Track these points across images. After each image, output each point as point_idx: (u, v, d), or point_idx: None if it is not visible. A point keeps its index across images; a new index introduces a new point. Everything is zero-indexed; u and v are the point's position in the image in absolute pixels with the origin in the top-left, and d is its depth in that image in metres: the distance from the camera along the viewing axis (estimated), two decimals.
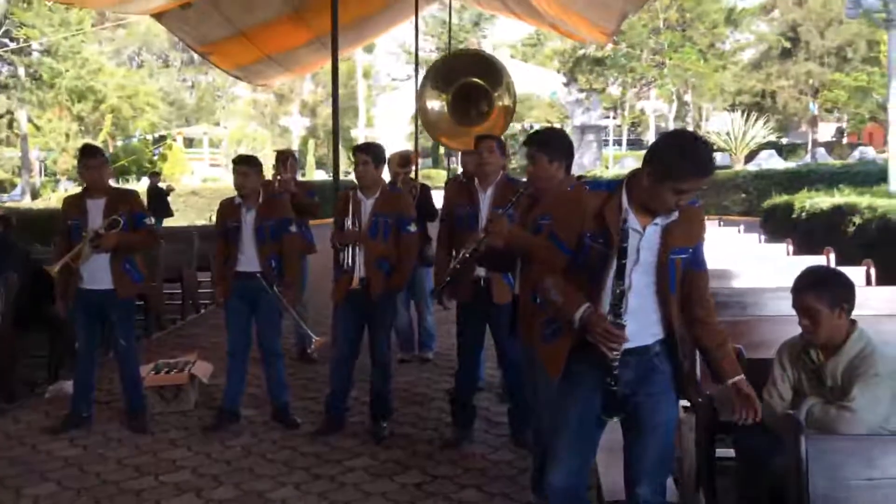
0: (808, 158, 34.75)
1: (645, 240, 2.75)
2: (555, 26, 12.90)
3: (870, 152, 33.43)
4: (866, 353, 3.00)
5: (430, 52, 39.30)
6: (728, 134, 31.81)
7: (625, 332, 2.67)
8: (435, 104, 6.82)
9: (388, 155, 7.01)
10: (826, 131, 43.82)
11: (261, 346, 5.35)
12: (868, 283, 5.68)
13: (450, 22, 17.96)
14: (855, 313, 3.15)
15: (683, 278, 2.83)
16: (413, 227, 5.10)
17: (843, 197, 8.65)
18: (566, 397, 2.88)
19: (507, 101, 6.63)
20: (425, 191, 6.80)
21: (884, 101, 30.08)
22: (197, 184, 30.19)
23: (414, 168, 7.16)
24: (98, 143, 33.12)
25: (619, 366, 2.73)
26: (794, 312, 3.13)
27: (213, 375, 6.09)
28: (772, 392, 3.19)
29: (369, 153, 4.99)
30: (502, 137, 5.42)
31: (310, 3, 9.61)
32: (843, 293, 3.05)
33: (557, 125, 47.17)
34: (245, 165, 5.25)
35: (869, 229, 7.11)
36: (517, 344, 4.69)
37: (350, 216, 4.97)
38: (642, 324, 2.80)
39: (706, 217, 3.08)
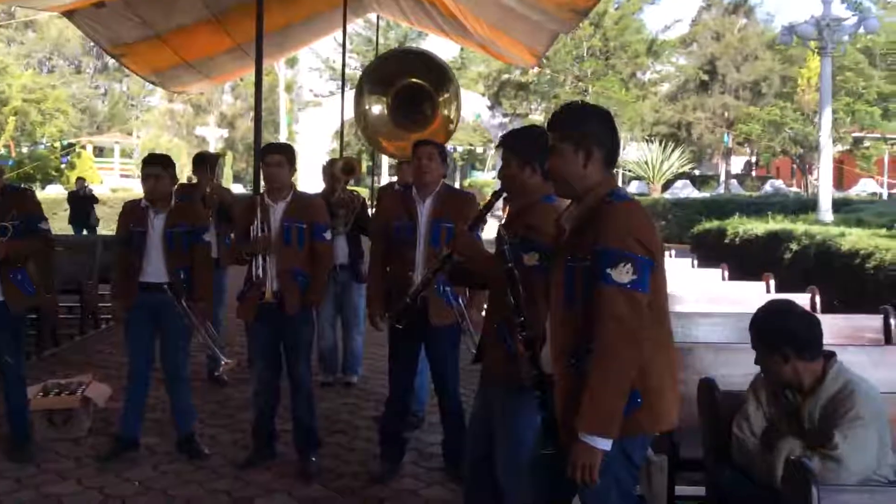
0: (720, 189, 35.67)
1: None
2: (484, 46, 12.68)
3: (780, 185, 34.62)
4: (845, 394, 2.67)
5: (355, 69, 38.79)
6: (646, 163, 32.40)
7: (521, 346, 2.59)
8: (374, 108, 6.29)
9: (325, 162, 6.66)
10: (736, 164, 45.13)
11: (164, 366, 4.77)
12: (813, 310, 5.51)
13: (377, 39, 17.59)
14: None
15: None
16: (329, 235, 4.71)
17: (776, 223, 8.62)
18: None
19: (450, 111, 6.17)
20: (364, 204, 6.39)
21: (795, 135, 31.31)
22: (106, 193, 28.86)
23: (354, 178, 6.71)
24: None
25: (540, 390, 2.51)
26: (737, 338, 2.85)
27: (112, 398, 5.44)
28: (742, 425, 2.85)
29: (284, 153, 4.56)
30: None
31: (231, 10, 9.11)
32: (802, 339, 2.72)
33: (480, 148, 47.47)
34: (157, 166, 4.69)
35: (807, 256, 7.02)
36: (457, 370, 4.34)
37: (258, 223, 4.48)
38: (556, 347, 2.49)
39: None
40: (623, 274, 2.28)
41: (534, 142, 3.11)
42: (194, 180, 6.76)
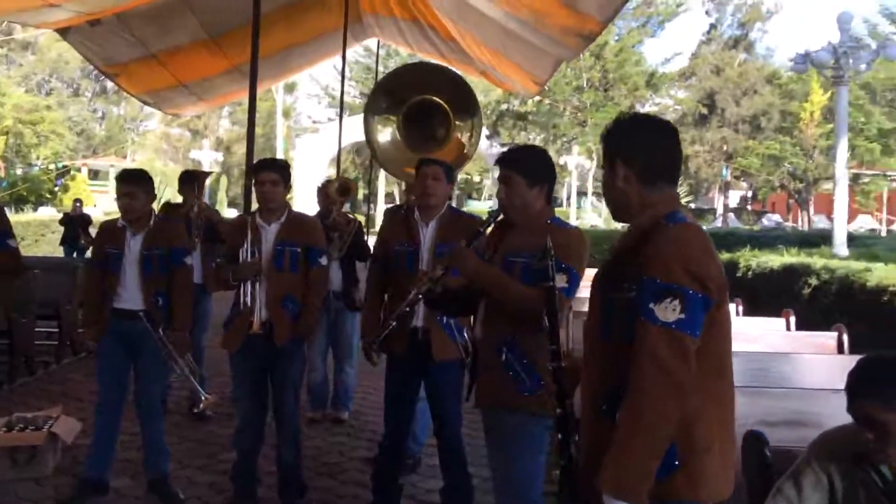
0: (717, 223, 35.48)
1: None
2: (484, 73, 12.46)
3: (778, 219, 34.50)
4: None
5: (354, 97, 38.70)
6: None
7: (550, 378, 2.36)
8: (385, 134, 5.77)
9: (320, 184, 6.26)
10: (732, 198, 45.06)
11: (137, 400, 4.34)
12: (840, 350, 5.14)
13: (377, 67, 17.30)
14: (829, 387, 2.40)
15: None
16: (324, 260, 4.34)
17: (791, 256, 8.24)
18: None
19: (467, 136, 5.66)
20: (360, 227, 6.01)
21: (794, 170, 31.21)
22: (99, 216, 28.55)
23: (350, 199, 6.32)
24: None
25: (563, 433, 2.23)
26: (762, 381, 2.41)
27: (85, 433, 5.01)
28: None
29: (278, 171, 4.20)
30: None
31: (228, 31, 8.84)
32: None
33: (478, 178, 47.21)
34: (132, 184, 4.29)
35: (828, 292, 6.66)
36: (460, 411, 3.93)
37: (247, 245, 4.10)
38: (587, 386, 2.15)
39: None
40: (668, 311, 1.89)
41: (542, 163, 3.02)
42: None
